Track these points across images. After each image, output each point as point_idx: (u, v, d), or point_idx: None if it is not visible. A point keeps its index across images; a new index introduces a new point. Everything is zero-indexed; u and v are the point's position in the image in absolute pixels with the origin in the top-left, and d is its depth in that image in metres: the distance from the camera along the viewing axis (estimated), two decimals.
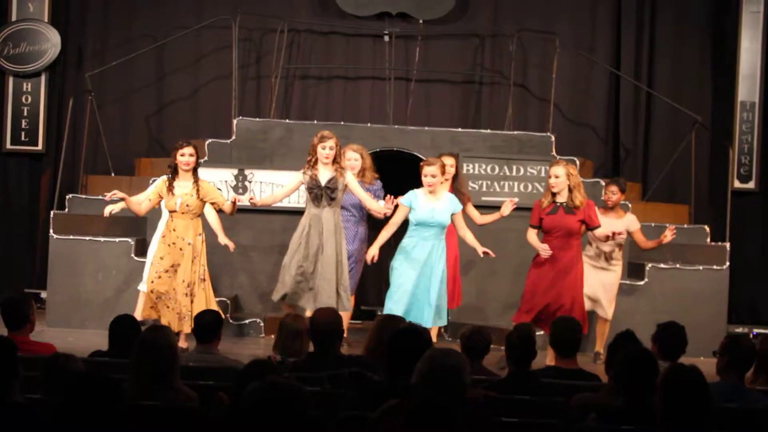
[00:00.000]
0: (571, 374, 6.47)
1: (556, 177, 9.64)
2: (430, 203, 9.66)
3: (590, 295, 10.37)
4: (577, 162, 12.15)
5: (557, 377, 6.38)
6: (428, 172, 9.68)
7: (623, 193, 10.75)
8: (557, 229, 9.62)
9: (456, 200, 9.87)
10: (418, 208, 9.65)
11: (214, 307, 9.29)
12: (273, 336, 10.04)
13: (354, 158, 10.40)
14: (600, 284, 10.53)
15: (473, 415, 4.68)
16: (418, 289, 9.59)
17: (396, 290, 9.62)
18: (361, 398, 5.12)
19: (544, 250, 9.53)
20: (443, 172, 9.88)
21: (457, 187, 10.39)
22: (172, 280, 9.53)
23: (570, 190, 9.64)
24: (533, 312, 9.53)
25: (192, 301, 9.54)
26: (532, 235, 9.78)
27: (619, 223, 10.53)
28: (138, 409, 4.68)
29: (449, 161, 10.38)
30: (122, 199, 9.69)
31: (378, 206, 9.78)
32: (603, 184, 11.40)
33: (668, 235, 10.59)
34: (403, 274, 9.62)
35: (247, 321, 11.34)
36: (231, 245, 9.91)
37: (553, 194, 9.68)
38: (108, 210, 9.84)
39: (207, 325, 6.75)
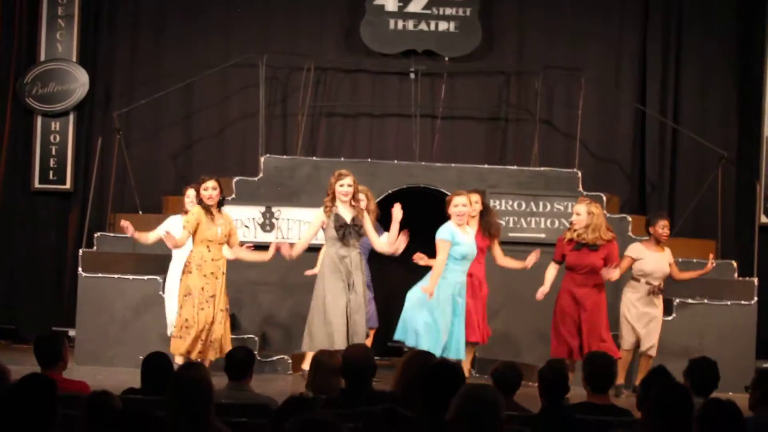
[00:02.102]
0: (604, 410, 6.45)
1: (578, 215, 9.80)
2: (466, 236, 9.71)
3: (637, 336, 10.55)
4: (604, 198, 12.15)
5: (590, 413, 6.36)
6: (459, 202, 9.74)
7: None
8: (581, 266, 9.73)
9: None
10: (460, 243, 9.64)
11: (230, 340, 9.85)
12: (299, 373, 10.09)
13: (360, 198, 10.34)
14: (647, 325, 10.55)
15: None
16: (454, 325, 9.63)
17: (432, 328, 9.65)
18: None
19: (542, 293, 9.96)
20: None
21: (488, 221, 10.40)
22: (209, 309, 9.75)
23: (589, 228, 9.71)
24: (565, 347, 9.58)
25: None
26: (550, 271, 9.95)
27: (665, 256, 10.61)
28: None
29: (475, 198, 10.42)
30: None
31: (386, 246, 9.81)
32: (648, 218, 11.31)
33: (709, 266, 10.88)
34: (440, 313, 9.64)
35: (275, 358, 11.35)
36: (275, 247, 10.04)
37: (576, 231, 9.77)
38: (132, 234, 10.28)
39: (240, 362, 6.75)
